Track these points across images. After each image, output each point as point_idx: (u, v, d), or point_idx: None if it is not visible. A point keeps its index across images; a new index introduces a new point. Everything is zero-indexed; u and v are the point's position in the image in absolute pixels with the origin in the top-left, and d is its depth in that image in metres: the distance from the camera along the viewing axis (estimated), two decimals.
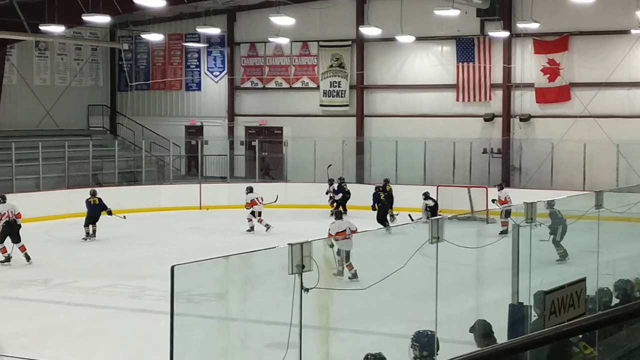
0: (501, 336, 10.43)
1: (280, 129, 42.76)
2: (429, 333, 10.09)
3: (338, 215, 23.52)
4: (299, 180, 38.84)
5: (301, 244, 8.91)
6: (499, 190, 31.27)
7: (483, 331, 10.11)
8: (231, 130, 43.87)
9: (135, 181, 39.89)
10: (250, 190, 31.37)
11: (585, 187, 33.92)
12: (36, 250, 27.34)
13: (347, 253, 21.71)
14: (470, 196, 32.96)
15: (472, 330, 10.21)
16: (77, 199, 33.99)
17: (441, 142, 37.60)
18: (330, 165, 37.64)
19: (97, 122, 45.17)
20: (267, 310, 10.67)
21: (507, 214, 30.37)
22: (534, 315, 10.77)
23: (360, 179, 39.77)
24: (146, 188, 38.04)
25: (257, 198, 31.00)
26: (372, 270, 10.88)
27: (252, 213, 30.83)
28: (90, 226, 29.49)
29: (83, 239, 29.40)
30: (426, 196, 31.04)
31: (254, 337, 11.25)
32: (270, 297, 10.44)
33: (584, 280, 11.04)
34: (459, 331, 10.67)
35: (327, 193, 34.79)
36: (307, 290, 9.06)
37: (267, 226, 30.33)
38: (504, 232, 27.16)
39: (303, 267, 8.90)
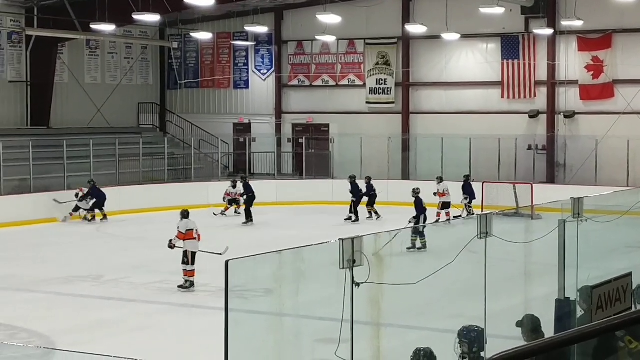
0: (548, 331, 10.44)
1: (327, 126, 42.88)
2: (476, 328, 10.14)
3: (185, 215, 22.17)
4: (346, 177, 38.90)
5: (352, 239, 9.06)
6: (438, 184, 31.70)
7: (531, 326, 10.14)
8: (278, 127, 44.04)
9: (185, 178, 40.20)
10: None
11: (629, 183, 33.91)
12: (88, 247, 27.86)
13: (193, 255, 21.37)
14: (515, 192, 33.00)
15: (519, 324, 10.28)
16: (128, 196, 34.45)
17: (486, 138, 37.60)
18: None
19: (147, 119, 45.40)
20: (319, 305, 10.62)
21: (445, 206, 30.84)
22: (580, 311, 10.90)
23: (406, 176, 39.85)
24: (195, 185, 38.26)
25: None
26: (422, 265, 11.02)
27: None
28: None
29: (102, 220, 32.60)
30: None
31: (306, 331, 11.18)
32: (322, 292, 10.35)
33: (629, 275, 11.15)
34: (506, 326, 10.63)
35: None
36: (358, 284, 9.19)
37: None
38: (437, 222, 28.24)
39: (354, 261, 9.07)
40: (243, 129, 44.55)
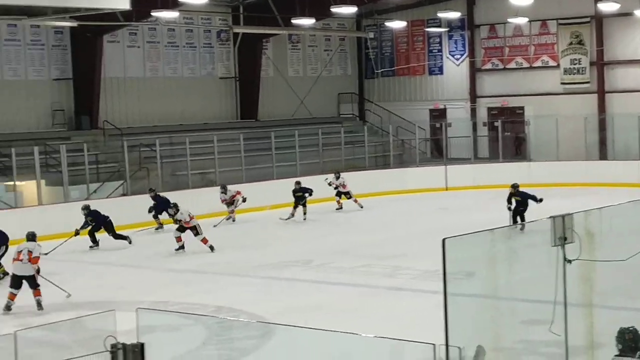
0: None
1: (522, 108, 42.85)
2: None
3: (30, 237, 19.52)
4: (543, 159, 39.04)
5: (563, 216, 9.33)
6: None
7: None
8: (473, 111, 44.22)
9: (384, 165, 40.93)
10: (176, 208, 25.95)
11: None
12: (299, 231, 28.97)
13: (32, 279, 18.74)
14: None
15: None
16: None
17: None
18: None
19: (346, 109, 46.22)
20: (532, 282, 10.44)
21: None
22: None
23: (603, 156, 39.62)
24: (394, 171, 38.99)
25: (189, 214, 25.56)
26: (635, 242, 10.92)
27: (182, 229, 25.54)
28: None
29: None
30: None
31: (519, 309, 10.73)
32: (533, 270, 10.34)
33: None
34: None
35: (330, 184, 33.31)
36: (569, 261, 9.48)
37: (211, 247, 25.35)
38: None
39: (565, 239, 9.38)
40: (439, 115, 44.98)
